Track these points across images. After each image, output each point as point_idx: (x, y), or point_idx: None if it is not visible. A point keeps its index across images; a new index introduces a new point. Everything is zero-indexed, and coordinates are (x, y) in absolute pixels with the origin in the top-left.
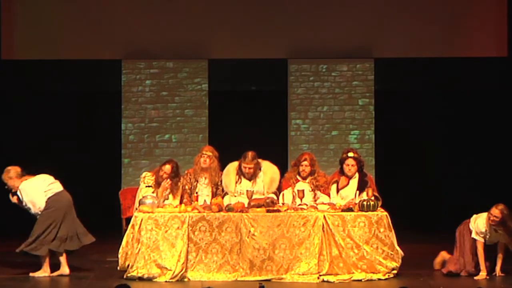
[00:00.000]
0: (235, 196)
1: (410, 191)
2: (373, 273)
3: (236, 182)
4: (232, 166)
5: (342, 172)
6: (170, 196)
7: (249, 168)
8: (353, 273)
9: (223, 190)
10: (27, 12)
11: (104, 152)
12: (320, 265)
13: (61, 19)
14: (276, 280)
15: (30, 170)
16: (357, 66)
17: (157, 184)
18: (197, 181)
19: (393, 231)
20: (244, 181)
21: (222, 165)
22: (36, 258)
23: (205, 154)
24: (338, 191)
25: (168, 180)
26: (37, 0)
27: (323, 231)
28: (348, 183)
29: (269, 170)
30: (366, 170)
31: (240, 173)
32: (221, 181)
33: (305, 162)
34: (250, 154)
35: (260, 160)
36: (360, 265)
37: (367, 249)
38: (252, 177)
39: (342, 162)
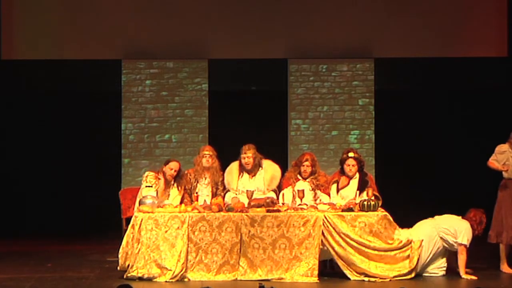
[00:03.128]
0: (237, 194)
1: (410, 191)
2: (374, 273)
3: (238, 179)
4: (235, 165)
5: (342, 172)
6: (175, 190)
7: (248, 158)
8: (353, 273)
9: (223, 190)
10: (27, 12)
11: (104, 152)
12: (320, 265)
13: (61, 19)
14: (276, 280)
15: (30, 169)
16: (357, 66)
17: (166, 182)
18: (197, 181)
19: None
20: (245, 175)
21: (222, 165)
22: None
23: (207, 153)
24: (338, 191)
25: (162, 181)
26: (37, 0)
27: (323, 231)
28: (348, 183)
29: (270, 168)
30: (366, 170)
31: (241, 168)
32: (221, 181)
33: (307, 163)
34: (246, 144)
35: (262, 159)
36: (360, 265)
37: (368, 249)
38: (252, 170)
39: (342, 162)
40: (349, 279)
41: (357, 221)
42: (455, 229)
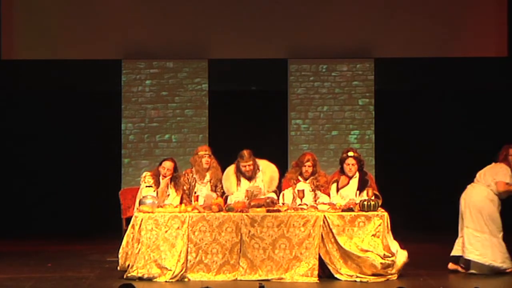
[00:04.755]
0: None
1: (410, 191)
2: (374, 273)
3: (237, 186)
4: (231, 170)
5: (342, 171)
6: (173, 192)
7: (248, 166)
8: (353, 273)
9: (222, 188)
10: (27, 12)
11: (104, 152)
12: (320, 265)
13: (61, 19)
14: (276, 280)
15: (30, 169)
16: (357, 66)
17: (159, 182)
18: (195, 181)
19: (390, 232)
20: (244, 181)
21: (222, 165)
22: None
23: (206, 153)
24: (338, 190)
25: (167, 178)
26: (37, 0)
27: (323, 231)
28: (348, 183)
29: (267, 169)
30: (366, 170)
31: (239, 174)
32: (221, 179)
33: (308, 163)
34: (246, 152)
35: (257, 159)
36: (360, 265)
37: (368, 249)
38: (251, 175)
39: (342, 161)
40: (349, 278)
41: (357, 221)
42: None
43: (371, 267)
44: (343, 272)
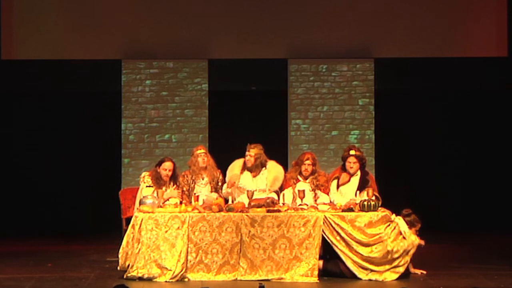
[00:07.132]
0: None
1: (410, 191)
2: (374, 273)
3: (240, 174)
4: (238, 162)
5: (344, 168)
6: (173, 191)
7: (250, 156)
8: (360, 269)
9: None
10: (27, 12)
11: (104, 152)
12: (320, 265)
13: (61, 19)
14: (276, 280)
15: (30, 170)
16: (357, 66)
17: (158, 183)
18: (195, 182)
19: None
20: (248, 174)
21: (222, 166)
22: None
23: (202, 152)
24: (338, 187)
25: (179, 190)
26: (37, 0)
27: (323, 231)
28: (349, 180)
29: (274, 169)
30: (367, 169)
31: (244, 165)
32: (220, 178)
33: (308, 161)
34: (253, 144)
35: (267, 160)
36: (360, 265)
37: (368, 249)
38: (253, 169)
39: (344, 159)
40: (358, 278)
41: (357, 221)
42: None
43: (373, 264)
44: (358, 265)
